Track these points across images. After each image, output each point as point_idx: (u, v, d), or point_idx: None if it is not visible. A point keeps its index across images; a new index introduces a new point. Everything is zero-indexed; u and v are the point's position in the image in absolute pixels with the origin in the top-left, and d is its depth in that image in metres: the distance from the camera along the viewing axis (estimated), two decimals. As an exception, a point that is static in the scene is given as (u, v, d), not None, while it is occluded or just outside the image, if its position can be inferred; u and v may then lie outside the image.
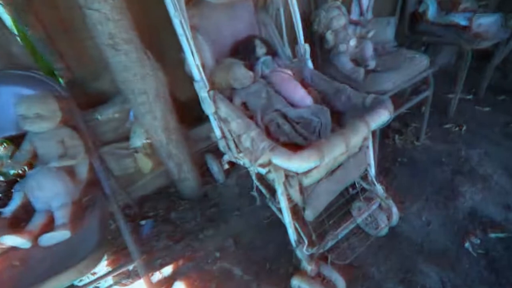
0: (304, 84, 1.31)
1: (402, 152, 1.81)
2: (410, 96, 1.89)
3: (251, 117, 1.09)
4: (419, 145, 1.86)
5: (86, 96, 1.29)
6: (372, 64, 1.46)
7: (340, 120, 1.15)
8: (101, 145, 1.38)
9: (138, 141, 1.34)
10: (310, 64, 1.36)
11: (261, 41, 1.36)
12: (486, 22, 1.75)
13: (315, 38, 1.63)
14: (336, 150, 0.82)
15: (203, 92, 1.12)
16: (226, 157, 1.46)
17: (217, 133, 1.23)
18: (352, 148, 0.98)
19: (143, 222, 1.54)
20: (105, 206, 1.08)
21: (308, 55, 1.35)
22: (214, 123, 1.21)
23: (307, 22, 1.62)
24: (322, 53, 1.62)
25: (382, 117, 0.93)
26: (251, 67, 1.32)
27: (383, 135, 1.94)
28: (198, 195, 1.67)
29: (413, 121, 2.04)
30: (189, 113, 1.56)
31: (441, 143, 1.86)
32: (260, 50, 1.33)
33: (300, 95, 1.08)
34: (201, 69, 1.12)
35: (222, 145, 1.25)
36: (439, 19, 1.91)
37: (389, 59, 1.49)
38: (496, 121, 1.99)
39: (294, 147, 0.99)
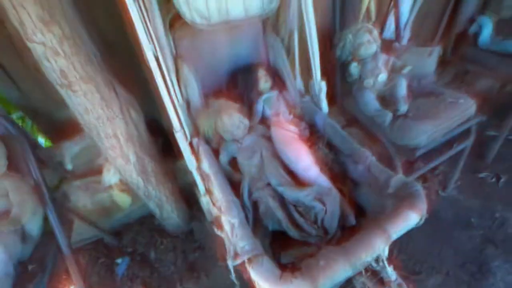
0: (313, 131, 1.06)
1: (424, 205, 1.54)
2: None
3: (239, 184, 0.86)
4: (445, 197, 1.58)
5: (54, 125, 1.09)
6: (403, 108, 1.17)
7: (353, 193, 0.90)
8: (73, 179, 1.21)
9: (111, 179, 1.15)
10: (325, 106, 1.09)
11: (267, 72, 1.09)
12: (555, 57, 1.40)
13: (337, 64, 1.34)
14: (338, 276, 0.59)
15: (183, 143, 0.90)
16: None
17: (201, 188, 1.01)
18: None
19: (119, 261, 1.39)
20: (58, 271, 0.92)
21: (323, 95, 1.08)
22: (197, 178, 0.99)
23: (329, 43, 1.33)
24: (344, 84, 1.34)
25: (410, 222, 0.68)
26: (250, 105, 1.08)
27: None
28: (183, 231, 1.50)
29: (441, 163, 1.73)
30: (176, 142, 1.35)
31: (472, 197, 1.57)
32: (264, 84, 1.08)
33: (304, 163, 0.83)
34: (182, 115, 0.89)
35: (205, 201, 1.04)
36: (493, 46, 1.56)
37: (426, 104, 1.20)
38: (543, 174, 1.66)
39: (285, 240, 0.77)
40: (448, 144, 1.33)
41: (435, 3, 1.65)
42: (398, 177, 0.78)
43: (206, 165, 0.90)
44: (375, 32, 1.23)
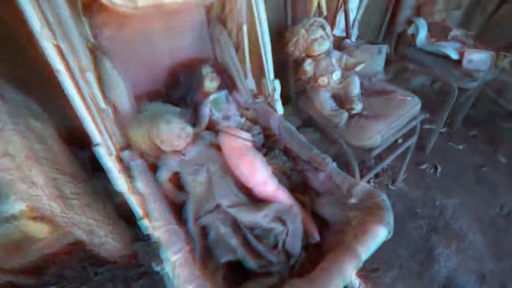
0: (269, 135, 0.96)
1: (376, 200, 1.58)
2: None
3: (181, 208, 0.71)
4: (394, 190, 1.65)
5: None
6: (358, 108, 1.14)
7: (314, 203, 0.82)
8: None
9: (13, 207, 0.88)
10: (279, 107, 1.00)
11: (213, 68, 0.94)
12: (477, 59, 1.54)
13: (289, 61, 1.26)
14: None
15: (106, 159, 0.70)
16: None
17: (137, 212, 0.82)
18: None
19: (37, 304, 1.11)
20: None
21: (277, 95, 0.98)
22: (130, 200, 0.80)
23: (281, 38, 1.23)
24: (297, 83, 1.26)
25: (379, 238, 0.62)
26: (195, 108, 0.92)
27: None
28: (123, 255, 1.27)
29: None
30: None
31: (417, 189, 1.67)
32: (210, 83, 0.93)
33: (260, 177, 0.71)
34: (104, 123, 0.69)
35: (144, 226, 0.85)
36: (428, 47, 1.66)
37: (378, 103, 1.19)
38: (469, 162, 1.86)
39: (242, 271, 0.65)
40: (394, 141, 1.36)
41: (378, 2, 1.70)
42: (362, 186, 0.72)
43: (140, 185, 0.72)
44: (328, 28, 1.17)
